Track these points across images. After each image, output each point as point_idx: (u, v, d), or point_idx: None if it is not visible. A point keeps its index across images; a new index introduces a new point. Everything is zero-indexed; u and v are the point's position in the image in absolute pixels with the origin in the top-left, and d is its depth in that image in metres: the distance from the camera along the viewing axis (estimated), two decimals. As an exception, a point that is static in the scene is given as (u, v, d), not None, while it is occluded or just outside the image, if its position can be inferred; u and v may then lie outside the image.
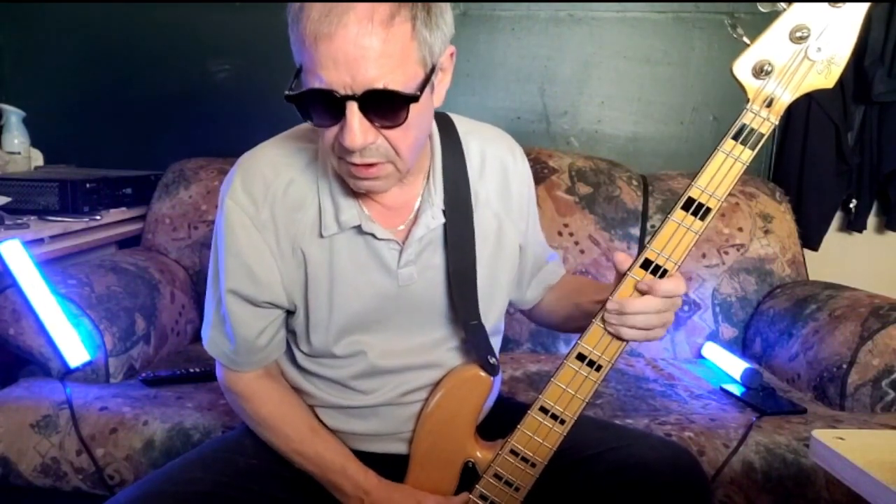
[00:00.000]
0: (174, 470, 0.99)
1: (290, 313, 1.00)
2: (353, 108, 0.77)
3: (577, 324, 1.09)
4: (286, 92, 0.79)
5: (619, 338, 0.87)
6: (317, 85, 0.77)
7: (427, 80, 0.80)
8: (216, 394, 1.43)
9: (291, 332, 1.02)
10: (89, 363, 1.52)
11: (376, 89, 0.76)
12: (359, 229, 0.93)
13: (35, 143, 2.21)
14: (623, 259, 0.87)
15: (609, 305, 0.86)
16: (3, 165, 2.09)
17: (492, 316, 1.03)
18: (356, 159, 0.82)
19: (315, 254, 0.94)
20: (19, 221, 1.65)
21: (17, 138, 2.16)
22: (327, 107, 0.78)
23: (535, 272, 1.15)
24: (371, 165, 0.83)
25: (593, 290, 1.06)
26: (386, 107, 0.78)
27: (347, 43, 0.74)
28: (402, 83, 0.77)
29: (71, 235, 1.79)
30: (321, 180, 0.93)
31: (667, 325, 0.88)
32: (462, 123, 1.01)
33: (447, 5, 0.81)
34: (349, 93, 0.76)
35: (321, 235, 0.93)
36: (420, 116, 0.82)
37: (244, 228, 0.93)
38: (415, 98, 0.78)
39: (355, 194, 0.92)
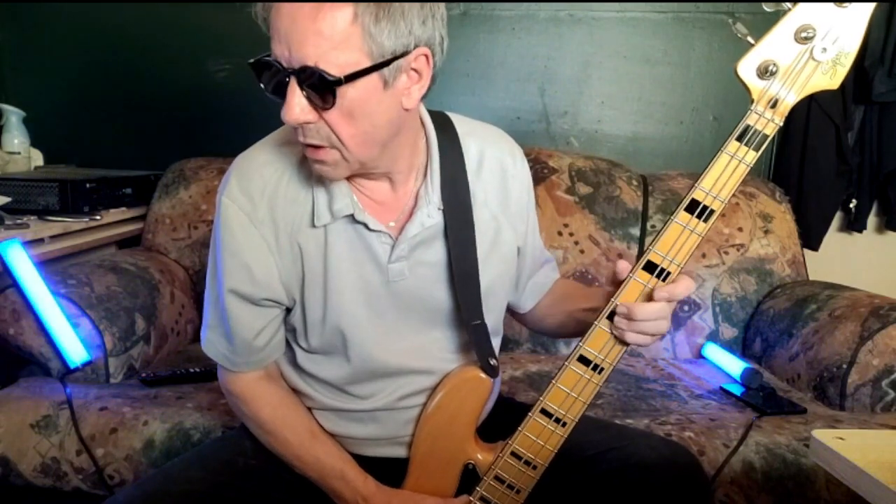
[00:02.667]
0: (174, 470, 0.99)
1: (288, 311, 1.00)
2: (290, 82, 0.79)
3: (569, 331, 1.10)
4: (249, 60, 0.82)
5: (623, 342, 0.87)
6: (267, 56, 0.80)
7: (367, 72, 0.78)
8: (216, 394, 1.43)
9: (291, 331, 1.02)
10: (89, 363, 1.52)
11: (307, 66, 0.77)
12: (352, 218, 0.93)
13: (35, 143, 2.21)
14: (625, 268, 0.87)
15: (619, 309, 0.86)
16: (3, 165, 2.09)
17: (492, 316, 1.02)
18: (301, 138, 0.84)
19: (310, 245, 0.94)
20: (19, 221, 1.65)
21: (17, 138, 2.15)
22: (273, 78, 0.81)
23: (531, 275, 1.14)
24: (318, 148, 0.84)
25: (582, 298, 1.07)
26: (317, 86, 0.78)
27: (284, 16, 0.77)
28: (338, 67, 0.77)
29: (71, 235, 1.79)
30: (315, 172, 0.93)
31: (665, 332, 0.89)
32: (462, 124, 1.01)
33: (415, 7, 0.79)
34: (288, 66, 0.78)
35: (314, 225, 0.93)
36: (366, 107, 0.81)
37: (241, 226, 0.93)
38: (337, 82, 0.77)
39: (349, 187, 0.92)
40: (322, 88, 0.78)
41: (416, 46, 0.81)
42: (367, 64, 0.78)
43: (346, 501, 0.99)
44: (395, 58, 0.80)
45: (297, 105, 0.79)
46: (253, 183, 0.93)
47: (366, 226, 0.93)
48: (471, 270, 0.98)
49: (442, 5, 0.83)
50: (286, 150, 0.94)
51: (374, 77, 0.79)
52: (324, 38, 0.76)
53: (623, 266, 0.87)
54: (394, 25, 0.78)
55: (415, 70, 0.83)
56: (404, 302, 0.98)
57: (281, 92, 0.80)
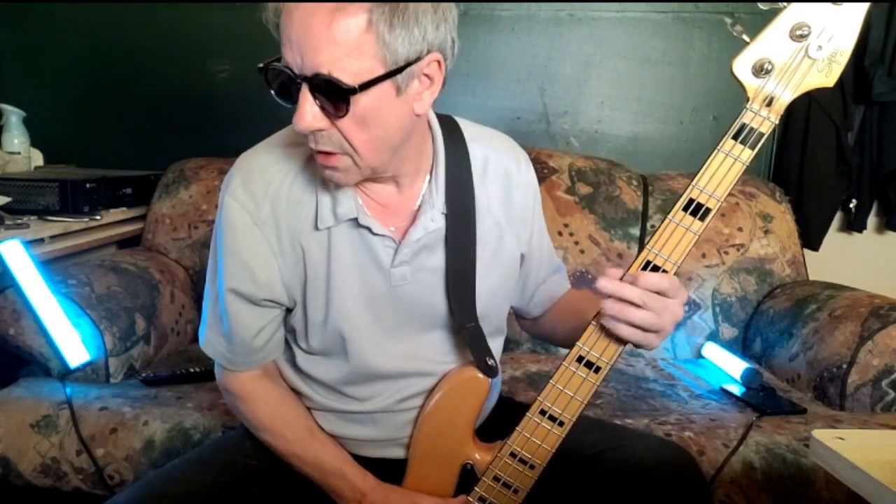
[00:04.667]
0: (174, 471, 0.99)
1: (289, 311, 1.00)
2: (302, 90, 0.78)
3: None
4: (259, 65, 0.81)
5: (614, 334, 0.85)
6: (278, 62, 0.79)
7: (381, 80, 0.78)
8: (216, 394, 1.43)
9: (291, 331, 1.01)
10: (89, 363, 1.52)
11: (321, 74, 0.76)
12: (355, 222, 0.92)
13: (35, 143, 2.21)
14: (614, 275, 0.84)
15: (601, 284, 0.82)
16: (3, 165, 2.09)
17: (491, 318, 1.02)
18: (312, 145, 0.83)
19: (314, 248, 0.94)
20: (19, 221, 1.65)
21: (17, 138, 2.16)
22: (285, 85, 0.80)
23: (539, 282, 1.13)
24: (330, 155, 0.83)
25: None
26: (330, 94, 0.77)
27: (297, 22, 0.76)
28: (352, 75, 0.76)
29: (71, 235, 1.79)
30: (320, 175, 0.92)
31: (658, 330, 0.84)
32: (469, 128, 1.01)
33: (429, 11, 0.78)
34: (300, 73, 0.77)
35: (317, 228, 0.93)
36: (379, 115, 0.80)
37: (244, 226, 0.92)
38: (352, 90, 0.76)
39: (353, 190, 0.92)
40: (335, 96, 0.77)
41: (428, 52, 0.80)
42: (381, 71, 0.77)
43: (345, 499, 0.99)
44: (409, 64, 0.79)
45: (309, 113, 0.79)
46: (257, 183, 0.92)
47: (369, 230, 0.93)
48: (468, 275, 0.97)
49: (454, 7, 0.82)
50: (291, 151, 0.94)
51: (387, 84, 0.79)
52: (338, 46, 0.75)
53: (612, 273, 0.84)
54: (408, 32, 0.77)
55: (427, 75, 0.82)
56: (405, 306, 0.98)
57: (291, 98, 0.80)
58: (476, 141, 1.00)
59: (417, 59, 0.79)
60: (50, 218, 1.76)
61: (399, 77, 0.79)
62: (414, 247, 0.95)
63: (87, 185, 1.84)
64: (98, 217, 1.85)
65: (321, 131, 0.81)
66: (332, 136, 0.81)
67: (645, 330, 0.83)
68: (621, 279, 0.83)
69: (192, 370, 1.59)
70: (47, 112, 2.28)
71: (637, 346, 0.86)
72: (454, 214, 0.95)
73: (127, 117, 2.31)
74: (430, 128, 0.96)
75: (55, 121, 2.30)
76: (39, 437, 1.38)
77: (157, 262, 1.89)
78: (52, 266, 1.62)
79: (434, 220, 0.94)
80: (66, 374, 1.50)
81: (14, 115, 2.15)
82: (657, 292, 0.82)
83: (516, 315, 1.21)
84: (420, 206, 0.95)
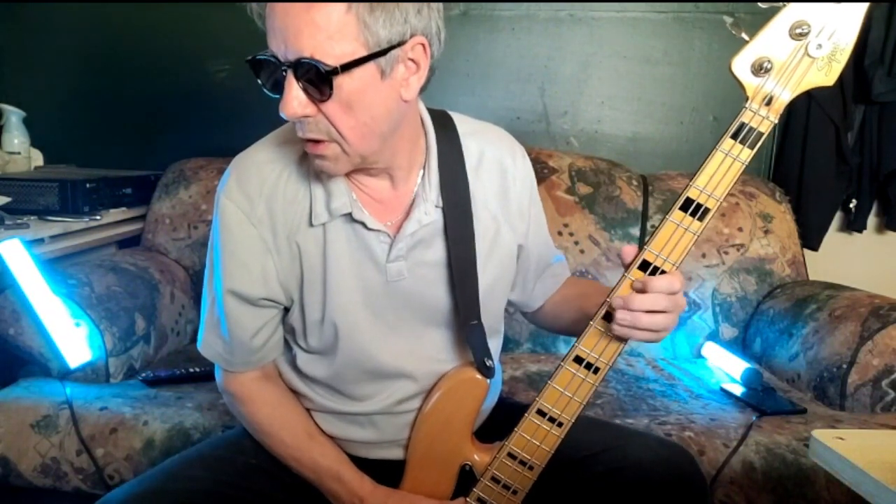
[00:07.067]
0: (173, 468, 0.99)
1: (287, 311, 1.00)
2: (287, 76, 0.79)
3: (583, 328, 1.08)
4: (247, 58, 0.83)
5: (621, 338, 0.86)
6: (264, 52, 0.80)
7: (363, 61, 0.78)
8: (216, 394, 1.42)
9: (290, 331, 1.01)
10: (89, 363, 1.52)
11: (303, 58, 0.77)
12: (349, 217, 0.92)
13: (35, 143, 2.21)
14: (629, 251, 0.86)
15: (614, 302, 0.84)
16: (3, 165, 2.09)
17: (489, 316, 1.02)
18: (300, 133, 0.84)
19: (309, 244, 0.94)
20: (19, 221, 1.65)
21: (17, 138, 2.16)
22: (271, 75, 0.81)
23: (539, 273, 1.13)
24: (318, 143, 0.84)
25: (599, 295, 1.05)
26: (313, 78, 0.78)
27: (278, 9, 0.77)
28: (334, 58, 0.77)
29: (71, 235, 1.79)
30: (314, 171, 0.92)
31: (670, 328, 0.86)
32: (463, 123, 1.01)
33: None
34: (284, 60, 0.78)
35: (311, 224, 0.93)
36: (364, 98, 0.81)
37: (240, 225, 0.93)
38: (333, 71, 0.77)
39: (347, 185, 0.92)
40: (318, 80, 0.78)
41: (412, 35, 0.81)
42: (363, 53, 0.78)
43: (342, 502, 0.99)
44: (392, 47, 0.79)
45: (294, 99, 0.79)
46: (251, 182, 0.92)
47: (364, 224, 0.93)
48: (469, 270, 0.97)
49: None
50: (286, 148, 0.94)
51: (370, 67, 0.79)
52: (319, 29, 0.76)
53: (627, 250, 0.86)
54: (388, 14, 0.78)
55: (412, 60, 0.83)
56: (403, 302, 0.97)
57: (280, 88, 0.80)
58: (471, 135, 1.00)
59: (401, 43, 0.80)
60: (50, 218, 1.76)
61: (382, 60, 0.80)
62: (409, 241, 0.95)
63: (87, 185, 1.84)
64: (98, 217, 1.85)
65: (308, 118, 0.81)
66: (319, 123, 0.82)
67: (657, 330, 0.85)
68: (632, 287, 0.84)
69: (192, 370, 1.59)
70: (47, 112, 2.27)
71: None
72: (451, 209, 0.95)
73: (127, 117, 2.30)
74: (423, 122, 0.96)
75: (55, 121, 2.30)
76: (39, 437, 1.38)
77: (157, 262, 1.89)
78: (52, 266, 1.62)
79: (428, 214, 0.94)
80: (65, 374, 1.50)
81: (14, 115, 2.15)
82: (668, 293, 0.84)
83: (519, 309, 1.20)
84: (414, 200, 0.95)
